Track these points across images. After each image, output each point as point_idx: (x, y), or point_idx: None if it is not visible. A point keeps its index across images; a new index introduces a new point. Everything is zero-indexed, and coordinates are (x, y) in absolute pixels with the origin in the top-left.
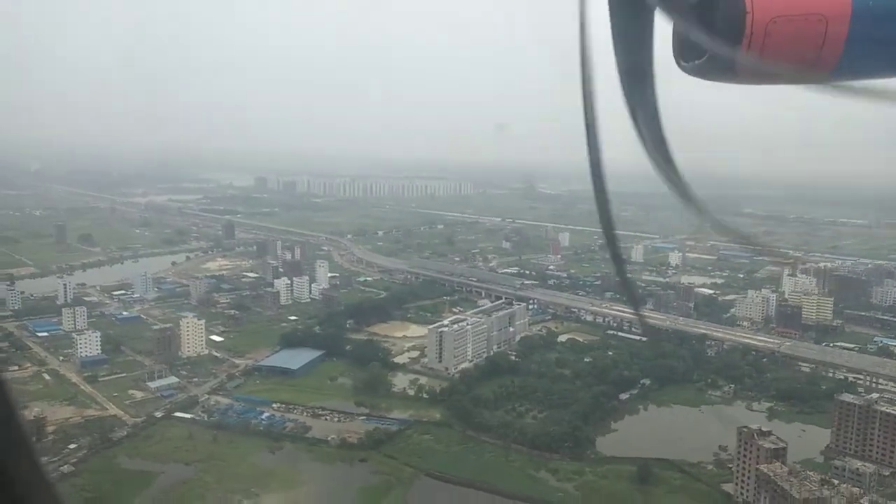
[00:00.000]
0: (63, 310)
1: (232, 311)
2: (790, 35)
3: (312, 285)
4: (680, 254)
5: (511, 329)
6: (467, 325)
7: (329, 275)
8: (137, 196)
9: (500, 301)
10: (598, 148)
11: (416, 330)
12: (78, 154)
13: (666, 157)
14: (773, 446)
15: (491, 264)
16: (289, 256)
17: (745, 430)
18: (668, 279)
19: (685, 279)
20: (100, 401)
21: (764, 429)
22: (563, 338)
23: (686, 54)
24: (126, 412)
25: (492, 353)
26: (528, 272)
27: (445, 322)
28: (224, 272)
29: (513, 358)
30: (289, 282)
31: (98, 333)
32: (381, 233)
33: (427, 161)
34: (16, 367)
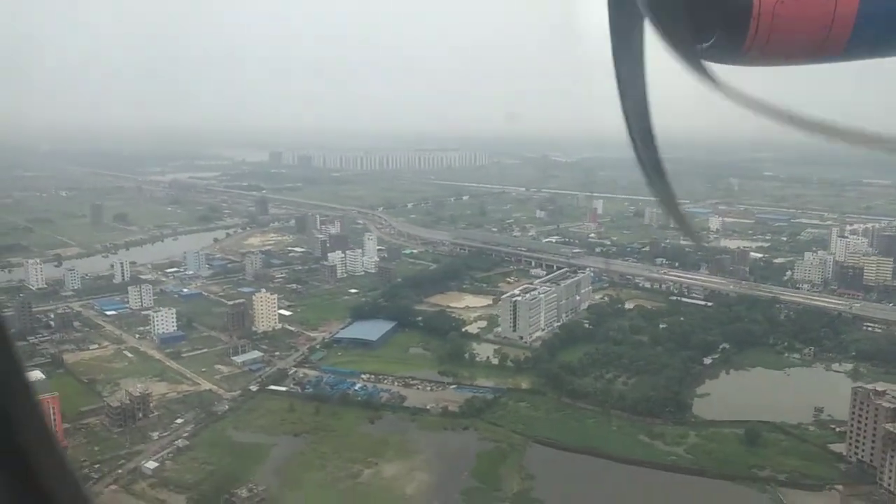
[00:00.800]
0: (129, 288)
1: (293, 286)
2: (798, 15)
3: (363, 258)
4: (720, 218)
5: (577, 297)
6: (540, 294)
7: (376, 248)
8: (156, 174)
9: (562, 270)
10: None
11: (474, 300)
12: (81, 135)
13: (648, 139)
14: (892, 405)
15: (530, 234)
16: (329, 231)
17: (860, 389)
18: (710, 244)
19: (728, 243)
20: (189, 376)
21: (879, 388)
22: (629, 305)
23: (693, 38)
24: (219, 387)
25: (562, 322)
26: (569, 240)
27: (516, 291)
28: (268, 247)
29: (587, 326)
30: (342, 255)
31: (174, 310)
32: (410, 205)
33: (434, 133)
34: (95, 346)
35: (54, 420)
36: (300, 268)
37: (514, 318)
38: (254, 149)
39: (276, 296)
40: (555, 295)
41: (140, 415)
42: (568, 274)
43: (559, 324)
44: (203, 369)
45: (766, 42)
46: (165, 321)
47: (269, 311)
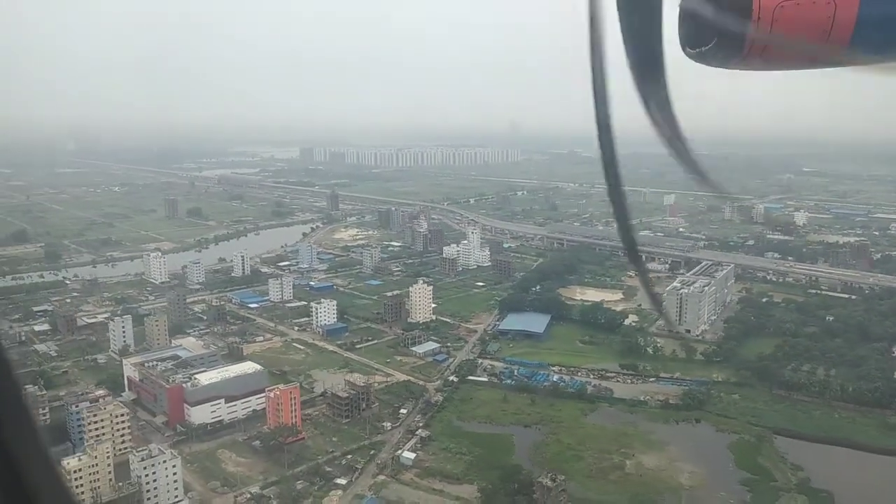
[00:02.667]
0: (270, 281)
1: (415, 279)
2: (798, 19)
3: (476, 252)
4: (805, 213)
5: (724, 291)
6: (704, 287)
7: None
8: (193, 170)
9: (704, 264)
10: (609, 118)
11: (600, 294)
12: (100, 134)
13: (679, 136)
14: None
15: (613, 227)
16: (419, 226)
17: None
18: (807, 238)
19: (820, 237)
20: (377, 367)
21: None
22: (776, 298)
23: (693, 41)
24: (416, 377)
25: (717, 315)
26: (664, 235)
27: (676, 284)
28: (360, 242)
29: (752, 319)
30: (457, 249)
31: (335, 302)
32: (472, 200)
33: (450, 130)
34: (262, 338)
35: (293, 410)
36: (411, 261)
37: (681, 310)
38: (276, 145)
39: (430, 287)
40: (713, 288)
41: (363, 405)
42: (713, 268)
43: (714, 317)
44: (387, 360)
45: (766, 46)
46: (327, 313)
47: (424, 302)
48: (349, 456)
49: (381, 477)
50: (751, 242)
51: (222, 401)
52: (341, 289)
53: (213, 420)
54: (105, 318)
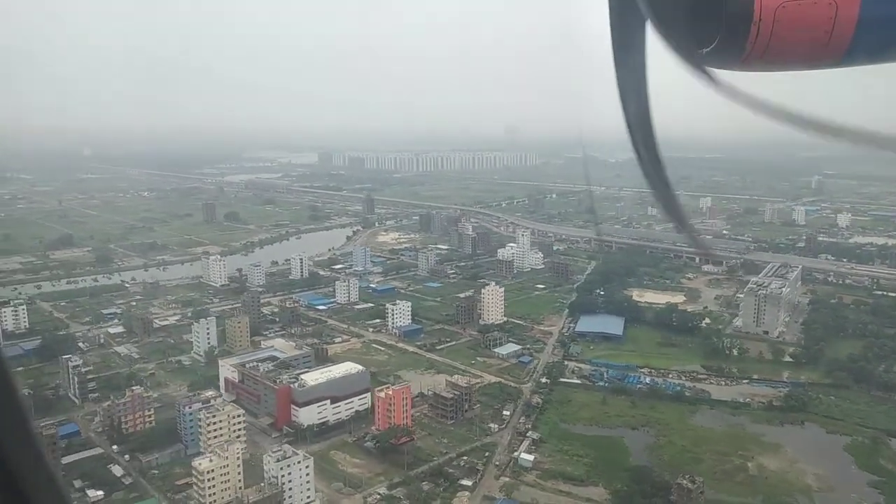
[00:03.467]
0: (336, 283)
1: (473, 281)
2: (799, 20)
3: (530, 254)
4: (848, 215)
5: (795, 291)
6: (781, 288)
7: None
8: (215, 175)
9: (775, 265)
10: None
11: (662, 297)
12: (110, 139)
13: (662, 177)
14: None
15: (657, 229)
16: (465, 229)
17: None
18: (852, 240)
19: (866, 239)
20: (462, 368)
21: None
22: (845, 300)
23: (694, 43)
24: (506, 378)
25: (792, 317)
26: (708, 237)
27: (752, 286)
28: (405, 245)
29: (829, 321)
30: (512, 251)
31: (409, 304)
32: (503, 203)
33: (454, 136)
34: (340, 339)
35: (405, 411)
36: (463, 264)
37: (758, 312)
38: (291, 150)
39: (502, 289)
40: (787, 289)
41: (466, 406)
42: (782, 270)
43: (787, 318)
44: (471, 361)
45: (767, 47)
46: (402, 314)
47: (496, 304)
48: (465, 457)
49: (505, 479)
50: (800, 245)
51: (328, 402)
52: (402, 291)
53: (319, 421)
54: (176, 320)
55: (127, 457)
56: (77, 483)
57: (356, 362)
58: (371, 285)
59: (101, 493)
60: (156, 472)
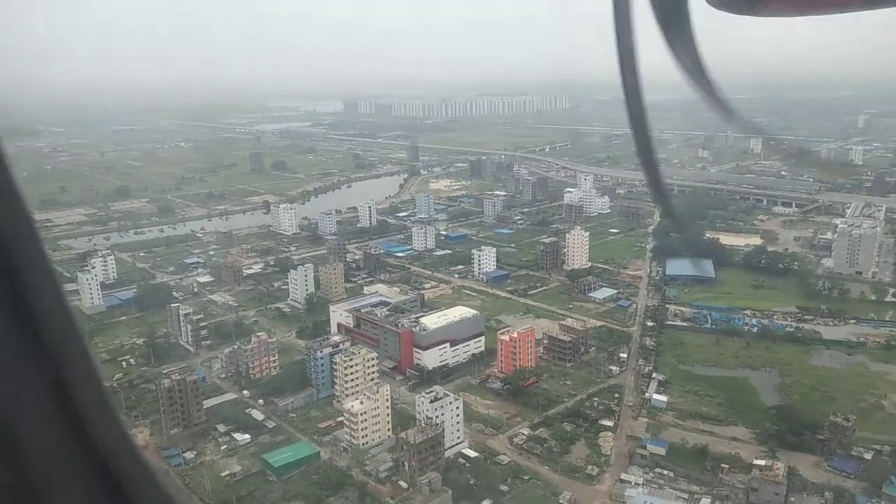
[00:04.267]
0: (413, 230)
1: (544, 227)
2: None
3: (599, 199)
4: None
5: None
6: (874, 228)
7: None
8: (245, 125)
9: (861, 205)
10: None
11: (734, 239)
12: (131, 92)
13: (705, 74)
14: None
15: (713, 171)
16: (519, 174)
17: None
18: None
19: None
20: (561, 313)
21: None
22: None
23: None
24: (610, 322)
25: (880, 257)
26: (770, 178)
27: (843, 226)
28: (460, 192)
29: None
30: (579, 196)
31: (494, 250)
32: (546, 148)
33: (478, 82)
34: (429, 285)
35: (530, 351)
36: (526, 210)
37: (851, 252)
38: (313, 100)
39: (587, 233)
40: (878, 229)
41: (582, 349)
42: (866, 210)
43: (877, 259)
44: (568, 306)
45: None
46: (488, 260)
47: (581, 249)
48: (595, 399)
49: (643, 419)
50: (867, 184)
51: (448, 345)
52: (473, 238)
53: (440, 364)
54: (260, 268)
55: (261, 401)
56: (220, 427)
57: (449, 307)
58: (441, 232)
59: (247, 436)
60: (293, 415)
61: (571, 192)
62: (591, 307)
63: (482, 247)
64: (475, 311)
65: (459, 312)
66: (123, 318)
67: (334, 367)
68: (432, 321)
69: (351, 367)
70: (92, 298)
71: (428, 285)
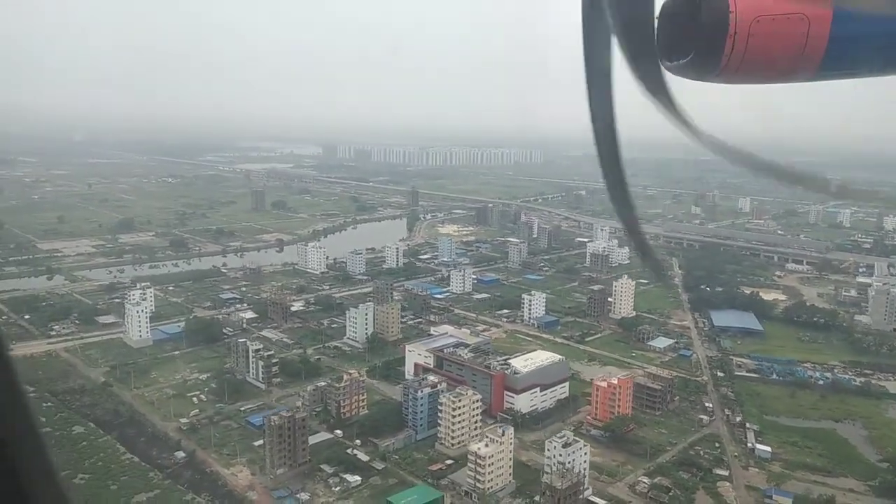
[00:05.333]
0: (452, 273)
1: (583, 275)
2: (773, 34)
3: (620, 250)
4: (894, 217)
5: None
6: None
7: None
8: (220, 162)
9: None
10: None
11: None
12: (93, 126)
13: (621, 186)
14: None
15: (711, 227)
16: (530, 224)
17: None
18: None
19: None
20: (625, 360)
21: None
22: None
23: (671, 54)
24: (674, 371)
25: None
26: (768, 236)
27: (870, 282)
28: (470, 237)
29: None
30: (603, 246)
31: (543, 295)
32: (539, 198)
33: (436, 130)
34: (480, 328)
35: (628, 399)
36: (547, 258)
37: (891, 309)
38: (283, 142)
39: (633, 281)
40: None
41: (668, 398)
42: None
43: None
44: (631, 353)
45: (743, 60)
46: (537, 305)
47: (627, 297)
48: (697, 448)
49: (753, 469)
50: (866, 246)
51: (538, 389)
52: (504, 283)
53: (530, 408)
54: (302, 306)
55: (357, 441)
56: (325, 467)
57: (506, 352)
58: (473, 275)
59: (357, 478)
60: (396, 457)
61: (588, 241)
62: (653, 356)
63: (532, 291)
64: (559, 357)
65: (543, 357)
66: (177, 352)
67: (439, 408)
68: (521, 364)
69: (459, 408)
70: (140, 332)
71: (480, 328)
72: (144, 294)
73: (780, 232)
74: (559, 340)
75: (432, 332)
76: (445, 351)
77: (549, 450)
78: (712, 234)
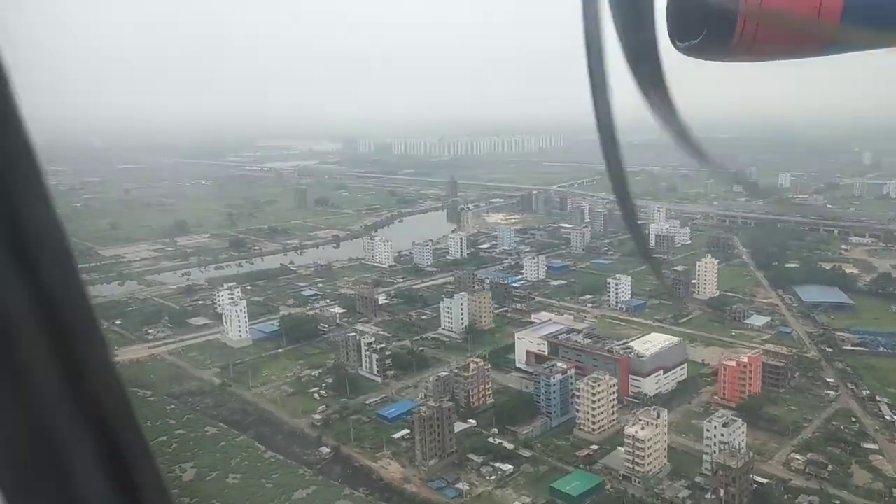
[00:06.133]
0: (526, 261)
1: (658, 256)
2: (785, 10)
3: (681, 230)
4: None
5: None
6: None
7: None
8: (247, 162)
9: None
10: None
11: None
12: (114, 130)
13: (677, 118)
14: None
15: (759, 203)
16: (578, 208)
17: None
18: None
19: None
20: (728, 340)
21: None
22: None
23: (681, 34)
24: (780, 347)
25: None
26: (828, 208)
27: None
28: (519, 224)
29: None
30: (667, 227)
31: (629, 279)
32: (574, 184)
33: (466, 121)
34: (568, 314)
35: (759, 378)
36: (608, 241)
37: None
38: (300, 139)
39: (716, 261)
40: None
41: (789, 375)
42: None
43: None
44: (730, 333)
45: (754, 39)
46: (623, 289)
47: (711, 278)
48: (834, 423)
49: None
50: None
51: (661, 371)
52: (573, 268)
53: (655, 391)
54: (385, 299)
55: (495, 430)
56: (473, 456)
57: (601, 336)
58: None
59: (509, 466)
60: (538, 444)
61: (641, 223)
62: (752, 334)
63: (618, 276)
64: (675, 339)
65: (661, 340)
66: (280, 350)
67: (576, 394)
68: (640, 348)
69: (598, 393)
70: (240, 332)
71: (567, 314)
72: (233, 294)
73: (829, 206)
74: (652, 323)
75: (532, 319)
76: (560, 337)
77: (708, 430)
78: (764, 211)
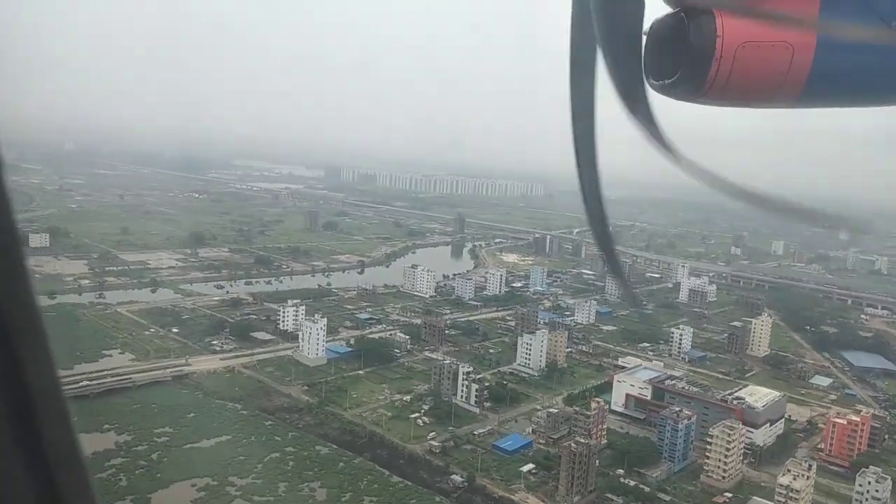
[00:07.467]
0: (575, 303)
1: (697, 310)
2: (758, 60)
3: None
4: None
5: None
6: None
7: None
8: (229, 181)
9: None
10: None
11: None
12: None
13: (659, 133)
14: None
15: (769, 265)
16: (566, 253)
17: None
18: None
19: None
20: (799, 398)
21: None
22: None
23: (657, 73)
24: (866, 410)
25: None
26: (831, 279)
27: None
28: (538, 266)
29: None
30: (699, 283)
31: (691, 329)
32: (573, 231)
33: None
34: (631, 360)
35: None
36: (635, 290)
37: None
38: (273, 161)
39: (770, 320)
40: None
41: (883, 435)
42: None
43: None
44: (800, 391)
45: (727, 83)
46: (685, 339)
47: (765, 335)
48: None
49: None
50: None
51: (769, 423)
52: (615, 315)
53: (762, 443)
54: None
55: (620, 470)
56: (612, 496)
57: (699, 384)
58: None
59: None
60: (668, 487)
61: (656, 276)
62: (820, 394)
63: (681, 325)
64: (778, 393)
65: (763, 393)
66: (360, 372)
67: (708, 440)
68: (753, 398)
69: (733, 441)
70: (317, 350)
71: (629, 361)
72: (297, 312)
73: (828, 276)
74: (717, 375)
75: (621, 363)
76: (667, 383)
77: (860, 483)
78: (778, 275)
